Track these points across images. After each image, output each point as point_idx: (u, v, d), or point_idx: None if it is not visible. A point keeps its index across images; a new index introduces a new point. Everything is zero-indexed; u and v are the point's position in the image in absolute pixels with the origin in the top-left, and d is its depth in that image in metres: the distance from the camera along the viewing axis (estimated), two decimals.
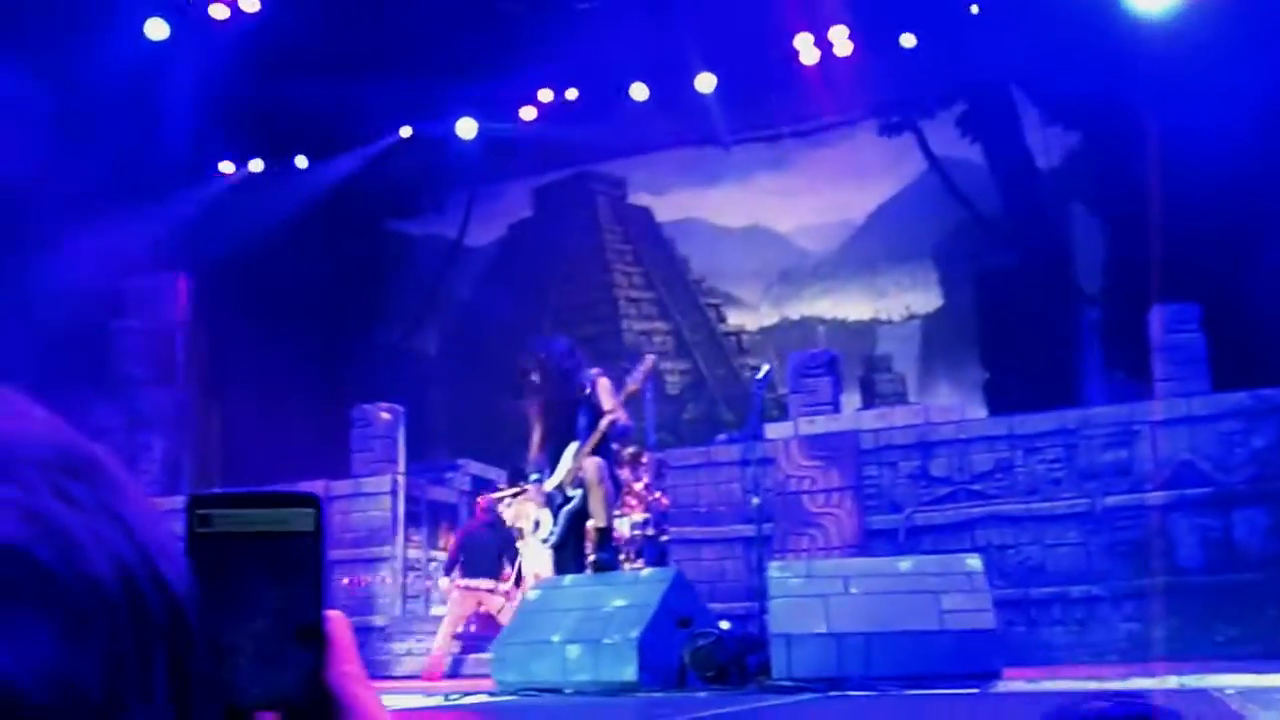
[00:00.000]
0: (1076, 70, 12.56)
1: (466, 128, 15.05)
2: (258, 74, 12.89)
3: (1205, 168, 10.97)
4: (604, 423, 7.71)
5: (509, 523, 10.44)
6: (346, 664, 0.64)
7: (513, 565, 10.33)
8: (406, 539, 11.52)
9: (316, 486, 11.38)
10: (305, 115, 13.78)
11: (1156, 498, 8.87)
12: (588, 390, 7.87)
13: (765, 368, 7.87)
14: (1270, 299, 10.14)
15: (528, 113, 15.09)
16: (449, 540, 11.33)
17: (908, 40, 13.25)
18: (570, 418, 7.80)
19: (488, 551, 10.31)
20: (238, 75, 12.83)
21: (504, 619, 9.81)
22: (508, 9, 13.49)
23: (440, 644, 9.88)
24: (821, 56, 13.55)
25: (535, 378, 8.04)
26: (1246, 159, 10.76)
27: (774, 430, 10.15)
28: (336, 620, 0.65)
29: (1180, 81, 11.26)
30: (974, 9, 12.89)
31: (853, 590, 5.55)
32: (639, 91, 14.39)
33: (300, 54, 12.80)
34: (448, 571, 10.48)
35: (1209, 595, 8.55)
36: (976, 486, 9.33)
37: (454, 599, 10.12)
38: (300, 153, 15.50)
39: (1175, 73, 11.28)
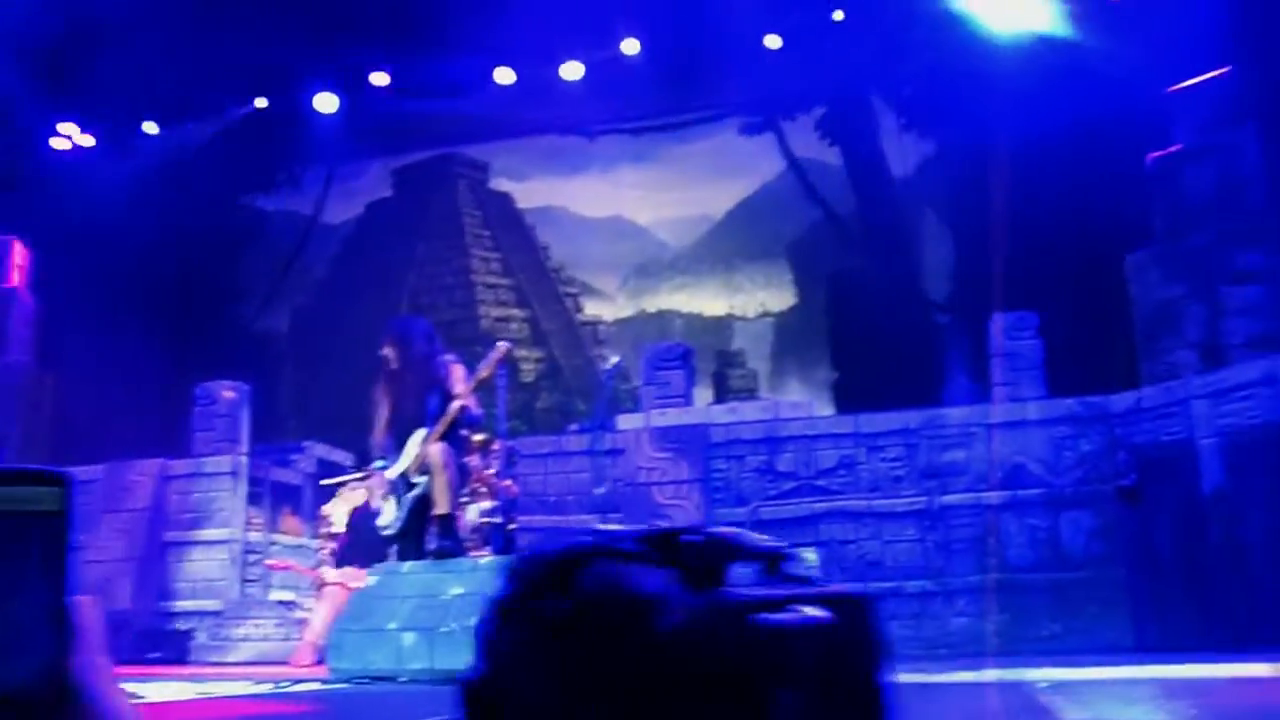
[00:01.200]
0: (932, 82, 12.92)
1: (326, 102, 14.70)
2: (108, 33, 12.36)
3: (1047, 183, 11.42)
4: (452, 408, 7.60)
5: (351, 506, 10.24)
6: (91, 653, 0.60)
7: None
8: (247, 521, 11.22)
9: (154, 465, 11.02)
10: (158, 79, 13.28)
11: (991, 498, 9.19)
12: (441, 376, 7.76)
13: (615, 359, 7.89)
14: (1101, 310, 10.60)
15: (391, 91, 14.80)
16: (289, 522, 11.08)
17: (773, 42, 13.42)
18: (420, 403, 7.67)
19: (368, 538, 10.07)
20: (87, 34, 12.28)
21: None
22: None
23: (315, 632, 9.58)
24: (688, 52, 13.62)
25: (391, 358, 7.87)
26: (1085, 177, 11.23)
27: (626, 421, 10.19)
28: (83, 606, 0.62)
29: (1027, 99, 11.69)
30: (837, 15, 13.13)
31: None
32: (505, 76, 14.25)
33: (158, 13, 12.31)
34: (338, 563, 10.17)
35: (1036, 592, 8.89)
36: (821, 482, 9.53)
37: (330, 591, 9.83)
38: (151, 119, 14.92)
39: (1023, 91, 11.70)
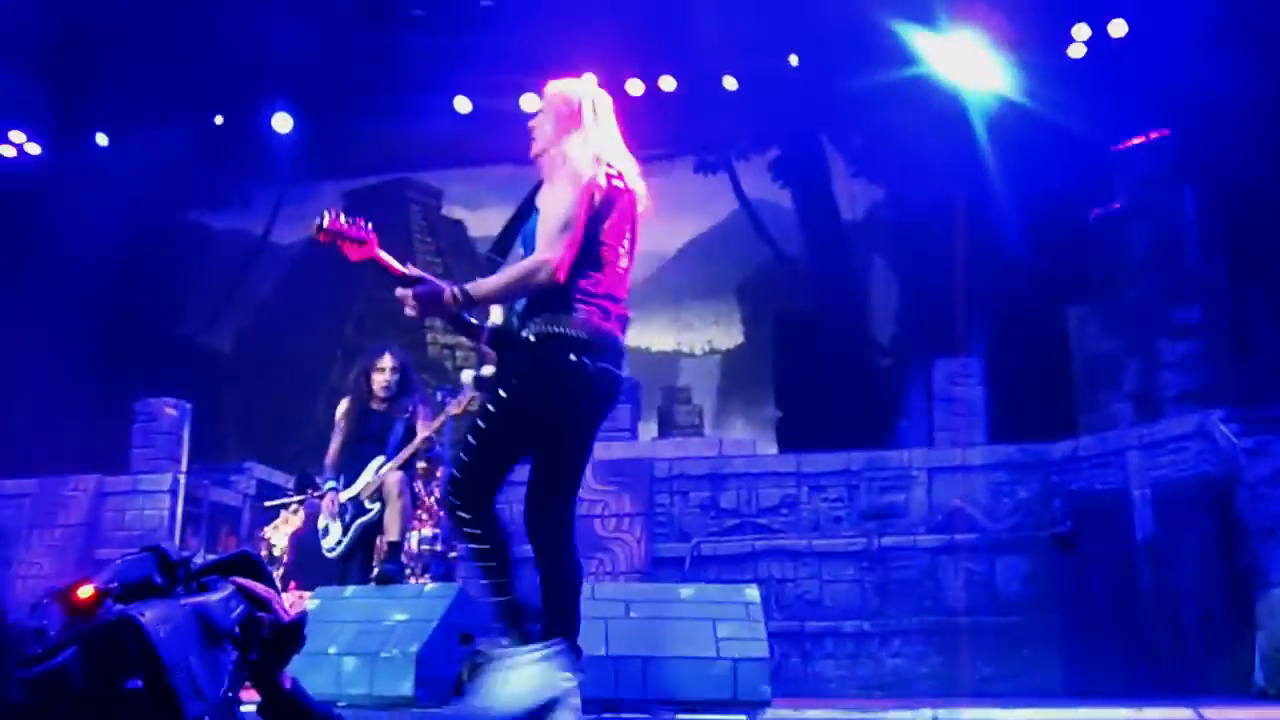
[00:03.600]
0: (884, 131, 13.14)
1: (282, 122, 14.64)
2: (65, 41, 12.25)
3: (994, 232, 11.67)
4: (419, 441, 7.61)
5: (293, 529, 10.13)
6: None
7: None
8: (183, 542, 11.06)
9: (89, 480, 10.85)
10: (112, 91, 13.16)
11: (928, 540, 9.32)
12: (411, 407, 7.75)
13: None
14: (1042, 360, 10.82)
15: (348, 113, 14.76)
16: (227, 544, 10.94)
17: (730, 83, 13.58)
18: (383, 431, 7.64)
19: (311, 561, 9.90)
20: (42, 38, 12.15)
21: None
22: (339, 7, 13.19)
23: None
24: (646, 89, 13.73)
25: (379, 384, 7.73)
26: (1031, 229, 11.49)
27: None
28: None
29: (977, 151, 11.95)
30: (793, 60, 13.32)
31: (633, 615, 5.63)
32: (462, 104, 14.30)
33: (113, 23, 12.21)
34: (281, 586, 9.99)
35: (971, 635, 9.01)
36: (762, 520, 9.60)
37: None
38: (101, 130, 14.75)
39: (972, 142, 11.97)
